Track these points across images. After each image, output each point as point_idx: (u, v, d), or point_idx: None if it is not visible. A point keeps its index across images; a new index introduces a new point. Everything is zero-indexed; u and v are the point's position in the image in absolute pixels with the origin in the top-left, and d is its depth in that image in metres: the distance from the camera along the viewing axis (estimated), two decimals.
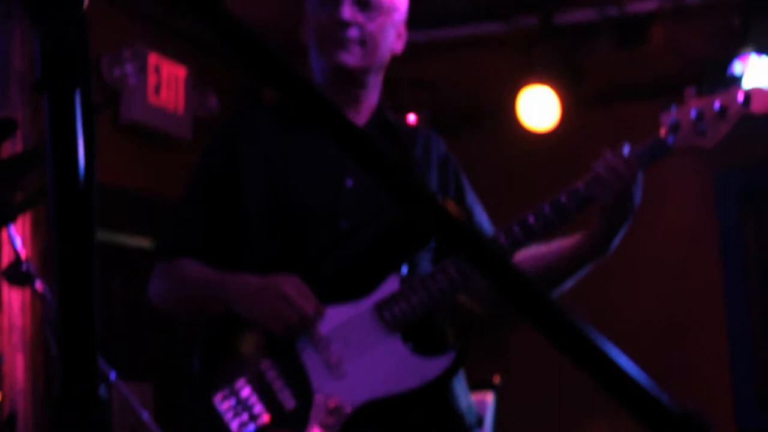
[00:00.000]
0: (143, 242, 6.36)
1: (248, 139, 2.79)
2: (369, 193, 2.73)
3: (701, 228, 6.70)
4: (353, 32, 2.71)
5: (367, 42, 2.72)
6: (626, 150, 2.68)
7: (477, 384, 4.29)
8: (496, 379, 4.52)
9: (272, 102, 2.97)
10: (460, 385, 2.79)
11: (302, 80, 0.89)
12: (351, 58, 2.72)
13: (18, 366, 5.11)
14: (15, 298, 5.16)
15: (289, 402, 2.61)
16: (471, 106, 6.67)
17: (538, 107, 6.14)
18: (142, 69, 5.94)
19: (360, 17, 2.72)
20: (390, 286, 2.66)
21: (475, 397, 4.33)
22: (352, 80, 2.77)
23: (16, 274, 2.67)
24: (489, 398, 4.44)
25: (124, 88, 5.93)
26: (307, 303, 2.58)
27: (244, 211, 2.75)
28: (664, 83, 6.02)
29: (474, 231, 0.87)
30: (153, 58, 6.07)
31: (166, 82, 6.18)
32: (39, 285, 2.66)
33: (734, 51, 5.57)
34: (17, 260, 2.67)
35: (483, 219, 2.94)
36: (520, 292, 0.94)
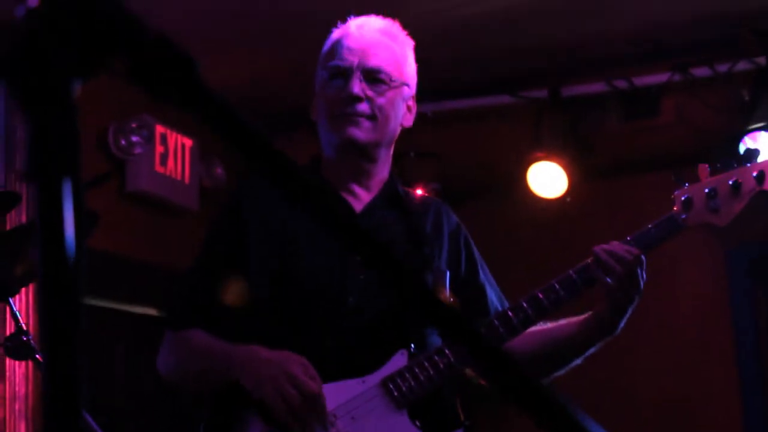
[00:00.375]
0: (148, 311, 6.32)
1: (254, 210, 2.76)
2: None
3: (714, 302, 6.63)
4: (363, 107, 2.69)
5: (377, 116, 2.70)
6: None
7: None
8: None
9: None
10: None
11: (293, 167, 0.86)
12: (361, 133, 2.69)
13: None
14: (18, 367, 5.12)
15: None
16: (479, 177, 6.64)
17: (547, 179, 6.12)
18: (149, 139, 5.93)
19: (369, 92, 2.70)
20: (398, 361, 2.62)
21: None
22: (363, 155, 2.75)
23: (16, 347, 2.61)
24: None
25: (130, 157, 5.92)
26: (312, 384, 2.52)
27: (251, 283, 2.71)
28: (673, 156, 6.01)
29: (464, 320, 0.86)
30: (159, 129, 6.06)
31: (173, 152, 6.17)
32: (40, 357, 2.60)
33: (743, 125, 5.56)
34: (18, 332, 2.61)
35: (494, 293, 2.90)
36: (511, 380, 0.91)
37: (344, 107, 2.70)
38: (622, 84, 6.01)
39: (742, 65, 5.72)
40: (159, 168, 6.07)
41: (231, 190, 2.90)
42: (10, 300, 2.63)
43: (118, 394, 6.20)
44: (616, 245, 2.63)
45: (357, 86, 2.69)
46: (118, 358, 6.23)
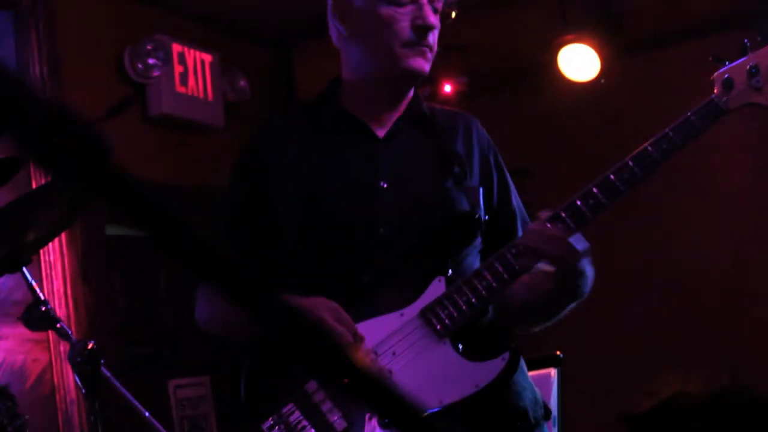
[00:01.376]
0: None
1: (277, 151, 2.66)
2: (405, 195, 2.59)
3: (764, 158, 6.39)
4: (432, 38, 2.60)
5: (433, 48, 2.62)
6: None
7: (538, 361, 4.10)
8: (558, 353, 4.31)
9: (297, 108, 2.83)
10: (523, 378, 2.63)
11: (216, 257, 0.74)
12: (426, 64, 2.61)
13: (67, 372, 5.03)
14: (58, 308, 5.06)
15: (339, 423, 2.47)
16: (508, 66, 6.42)
17: (578, 60, 5.90)
18: (166, 60, 5.79)
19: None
20: (435, 290, 2.50)
21: (538, 374, 4.15)
22: (413, 83, 2.68)
23: (34, 318, 2.51)
24: (552, 373, 4.23)
25: (150, 80, 5.78)
26: (344, 330, 2.42)
27: (280, 226, 2.62)
28: (710, 23, 5.79)
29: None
30: (176, 47, 5.91)
31: (193, 71, 6.03)
32: (60, 326, 2.50)
33: None
34: (35, 303, 2.50)
35: (523, 219, 2.78)
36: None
37: (420, 37, 2.57)
38: None
39: None
40: (180, 88, 5.95)
41: (253, 135, 2.76)
42: (25, 269, 2.51)
43: (165, 320, 6.17)
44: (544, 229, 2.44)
45: (433, 17, 2.59)
46: (161, 284, 6.19)
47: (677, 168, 2.53)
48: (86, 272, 5.25)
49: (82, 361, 2.42)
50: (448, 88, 6.07)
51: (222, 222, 2.73)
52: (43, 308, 2.49)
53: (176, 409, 5.81)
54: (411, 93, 2.72)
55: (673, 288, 6.43)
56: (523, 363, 2.64)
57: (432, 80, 6.06)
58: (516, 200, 2.78)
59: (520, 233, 2.70)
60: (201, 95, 6.11)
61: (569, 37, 5.84)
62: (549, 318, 2.65)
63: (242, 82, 6.53)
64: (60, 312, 5.04)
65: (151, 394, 5.69)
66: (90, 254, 5.32)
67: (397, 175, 2.61)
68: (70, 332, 2.49)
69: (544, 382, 4.11)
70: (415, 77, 2.61)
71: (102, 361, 2.42)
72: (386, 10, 2.59)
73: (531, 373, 2.78)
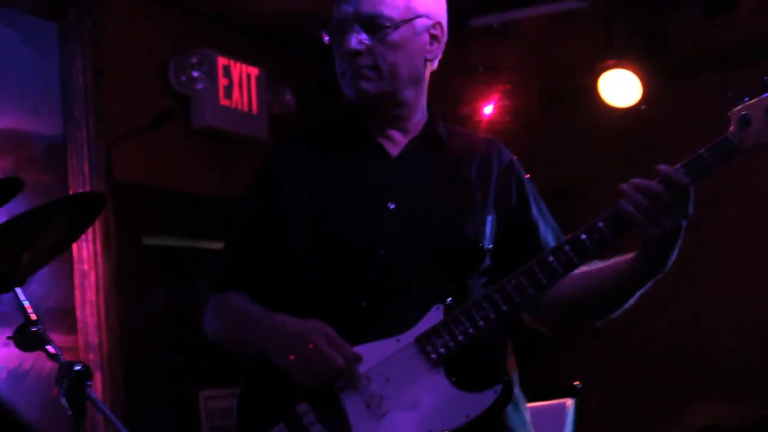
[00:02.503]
0: None
1: (288, 172, 2.67)
2: (411, 217, 2.58)
3: None
4: (364, 60, 2.56)
5: (380, 67, 2.57)
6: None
7: (553, 390, 4.04)
8: (577, 383, 4.23)
9: (310, 129, 2.84)
10: (517, 415, 2.61)
11: None
12: (370, 85, 2.57)
13: (96, 383, 5.07)
14: (90, 317, 5.11)
15: None
16: (553, 86, 6.36)
17: (619, 85, 5.86)
18: (211, 73, 5.83)
19: (369, 42, 2.56)
20: (433, 317, 2.49)
21: (551, 404, 4.09)
22: (385, 104, 2.63)
23: (26, 338, 2.53)
24: (568, 404, 4.15)
25: (193, 93, 5.83)
26: (337, 355, 2.42)
27: (288, 244, 2.64)
28: (756, 49, 5.73)
29: None
30: (222, 60, 5.96)
31: (238, 84, 6.07)
32: (51, 348, 2.52)
33: None
34: (27, 323, 2.52)
35: (549, 229, 2.75)
36: None
37: (347, 63, 2.57)
38: None
39: None
40: (224, 101, 5.99)
41: (266, 156, 2.79)
42: (18, 290, 2.54)
43: (200, 330, 6.18)
44: (669, 171, 2.37)
45: (353, 40, 2.55)
46: (198, 294, 6.21)
47: None
48: (120, 282, 5.29)
49: (68, 383, 2.44)
50: (488, 109, 6.05)
51: (233, 238, 2.76)
52: (34, 328, 2.51)
53: (206, 420, 5.83)
54: (421, 116, 2.71)
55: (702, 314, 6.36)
56: (520, 399, 2.64)
57: (473, 101, 6.07)
58: (538, 212, 2.74)
59: (544, 243, 2.69)
60: (245, 108, 6.14)
61: (611, 62, 5.81)
62: (617, 306, 2.61)
63: (288, 96, 6.56)
64: (91, 321, 5.09)
65: (182, 404, 5.72)
66: (125, 264, 5.37)
67: (406, 196, 2.60)
68: (60, 354, 2.51)
69: (557, 414, 4.02)
70: (364, 99, 2.59)
71: (89, 384, 2.44)
72: (333, 44, 2.63)
73: (544, 403, 2.76)
